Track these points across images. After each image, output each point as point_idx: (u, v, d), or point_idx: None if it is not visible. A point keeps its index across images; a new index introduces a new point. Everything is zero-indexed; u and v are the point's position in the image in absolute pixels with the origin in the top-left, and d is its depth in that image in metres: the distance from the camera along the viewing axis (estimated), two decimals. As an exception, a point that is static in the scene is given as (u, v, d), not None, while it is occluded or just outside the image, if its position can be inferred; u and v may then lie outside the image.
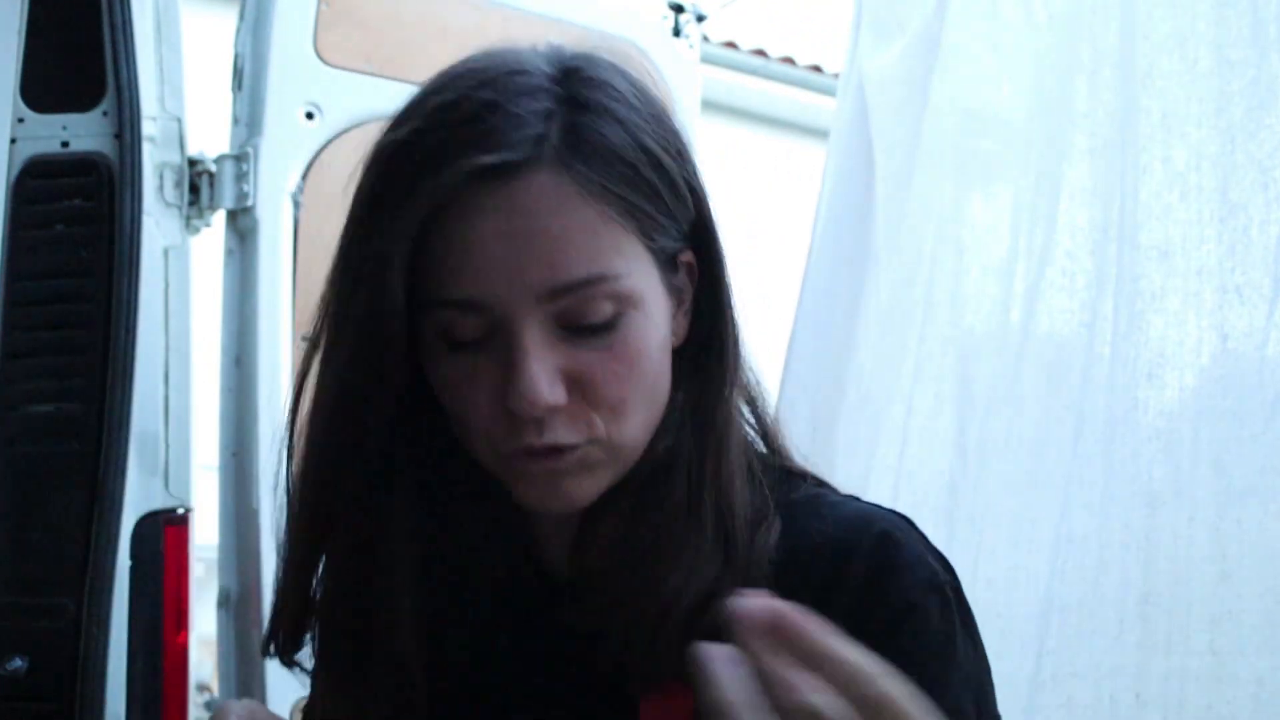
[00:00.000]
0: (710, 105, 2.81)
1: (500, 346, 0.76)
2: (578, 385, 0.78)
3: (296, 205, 2.18)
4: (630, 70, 0.83)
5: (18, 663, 1.90)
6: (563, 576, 0.88)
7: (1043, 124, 1.70)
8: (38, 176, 2.02)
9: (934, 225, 1.81)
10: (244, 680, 2.12)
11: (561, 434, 0.78)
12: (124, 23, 2.01)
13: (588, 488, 0.81)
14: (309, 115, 2.19)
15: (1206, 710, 1.39)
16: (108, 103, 2.03)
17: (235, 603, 2.14)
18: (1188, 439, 1.45)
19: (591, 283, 0.75)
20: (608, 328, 0.77)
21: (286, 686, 2.06)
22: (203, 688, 5.07)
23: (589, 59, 0.81)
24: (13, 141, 2.01)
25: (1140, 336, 1.50)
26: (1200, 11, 1.50)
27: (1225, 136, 1.47)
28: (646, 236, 0.78)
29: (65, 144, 2.04)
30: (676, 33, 2.63)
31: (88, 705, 1.90)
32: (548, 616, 0.87)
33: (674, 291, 0.83)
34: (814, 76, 7.51)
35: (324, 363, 0.83)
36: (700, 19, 2.67)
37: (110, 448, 1.94)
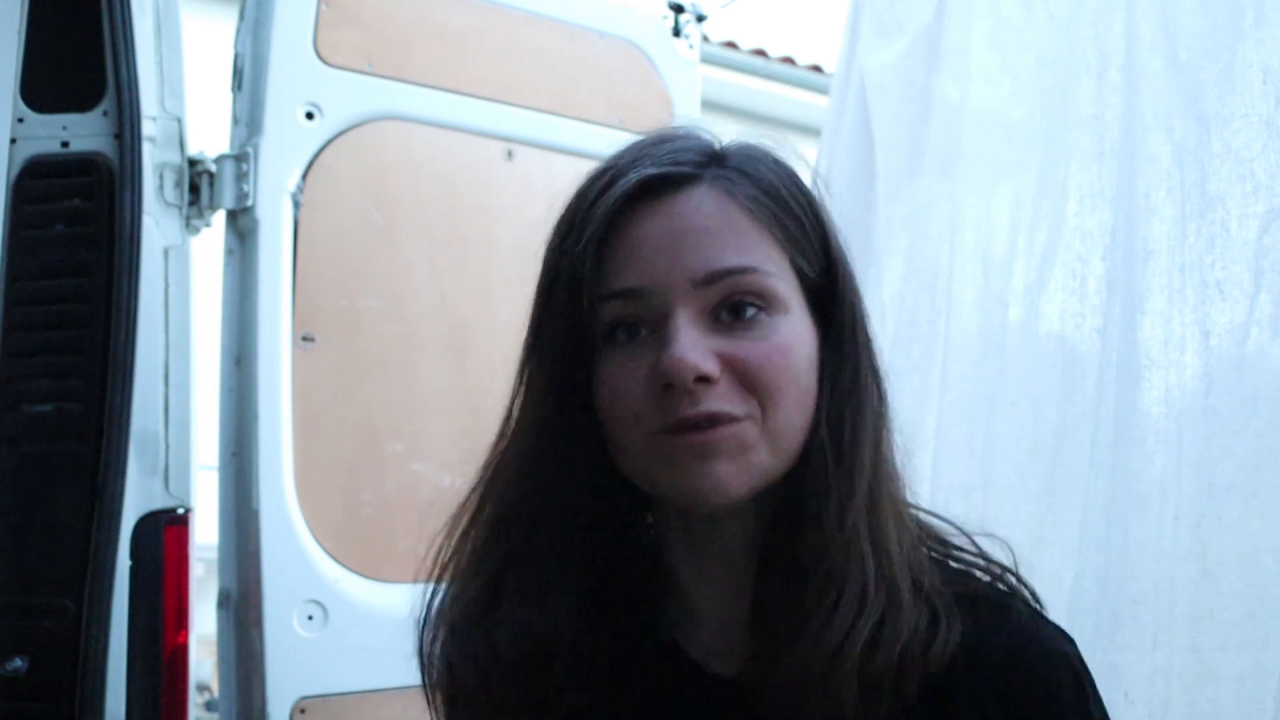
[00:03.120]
0: (710, 105, 2.81)
1: (659, 336, 0.82)
2: (732, 369, 0.82)
3: (296, 205, 2.18)
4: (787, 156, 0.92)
5: (18, 663, 1.90)
6: (728, 675, 0.89)
7: (1045, 123, 1.69)
8: (38, 176, 2.02)
9: (932, 225, 1.81)
10: (244, 680, 2.11)
11: (716, 403, 0.81)
12: (124, 23, 2.01)
13: (740, 474, 0.82)
14: (309, 115, 2.19)
15: (1189, 708, 1.39)
16: (108, 103, 2.03)
17: (235, 603, 2.14)
18: (1172, 438, 1.45)
19: (742, 271, 0.83)
20: (757, 321, 0.83)
21: (287, 686, 2.06)
22: (203, 688, 5.08)
23: (746, 141, 0.91)
24: (12, 141, 2.01)
25: (1133, 338, 1.50)
26: (1185, 4, 1.50)
27: (1201, 126, 1.46)
28: (792, 255, 0.86)
29: (65, 144, 2.03)
30: (676, 33, 2.63)
31: (88, 705, 1.90)
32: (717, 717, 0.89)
33: (818, 322, 0.87)
34: (814, 76, 7.50)
35: (529, 363, 0.89)
36: (700, 19, 2.67)
37: (110, 448, 1.94)
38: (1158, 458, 1.46)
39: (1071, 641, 0.89)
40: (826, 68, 7.42)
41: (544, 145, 2.40)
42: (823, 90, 7.42)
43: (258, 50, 2.18)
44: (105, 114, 2.03)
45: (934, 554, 0.91)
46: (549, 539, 0.87)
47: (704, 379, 0.80)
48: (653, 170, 0.83)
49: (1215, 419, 1.41)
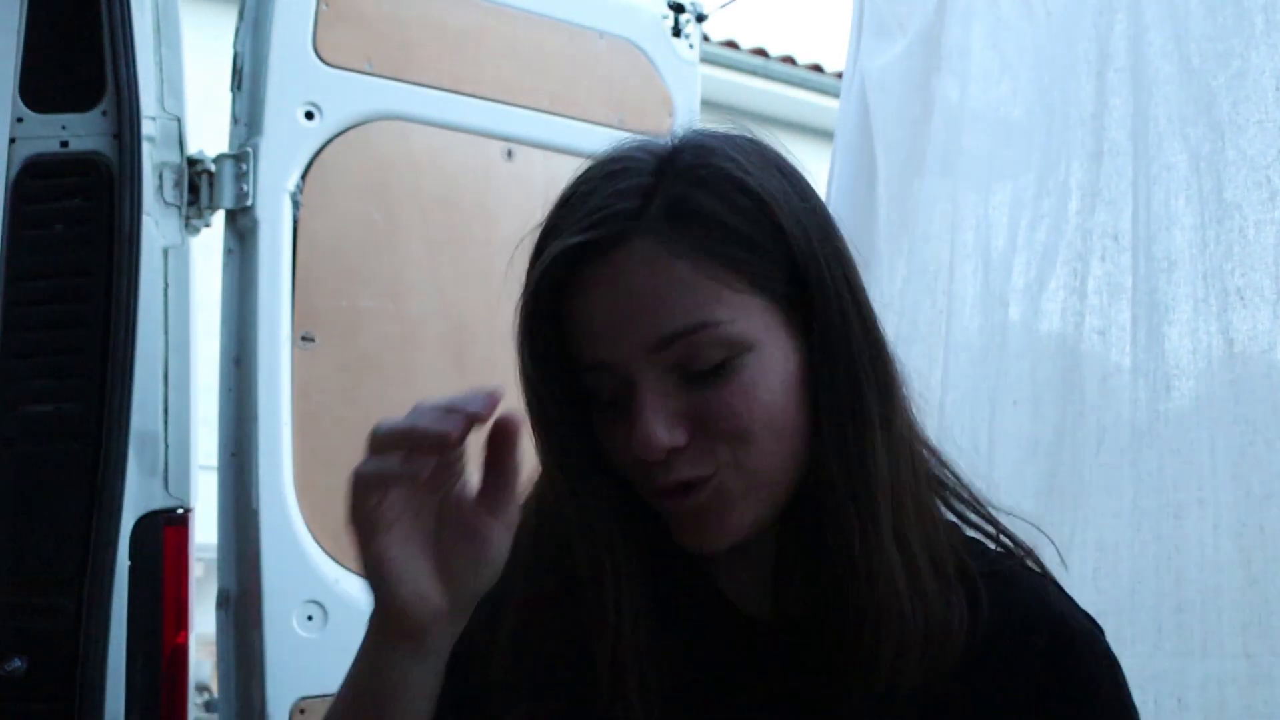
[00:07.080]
0: (710, 105, 2.81)
1: (628, 401, 0.83)
2: (700, 424, 0.82)
3: (296, 205, 2.18)
4: (755, 138, 0.89)
5: (17, 663, 1.89)
6: (763, 619, 0.90)
7: (1044, 121, 1.69)
8: (37, 176, 2.02)
9: (935, 225, 1.81)
10: (243, 680, 2.11)
11: (686, 470, 0.82)
12: (123, 22, 2.01)
13: (733, 521, 0.84)
14: (309, 115, 2.19)
15: (1245, 710, 1.41)
16: (107, 102, 2.03)
17: (235, 603, 2.14)
18: (1205, 448, 1.46)
19: (693, 330, 0.81)
20: (722, 371, 0.82)
21: (286, 688, 2.06)
22: (202, 688, 5.09)
23: (701, 133, 0.87)
24: (12, 141, 2.01)
25: (1158, 349, 1.50)
26: (1192, 9, 1.50)
27: (1215, 133, 1.46)
28: (751, 281, 0.82)
29: (64, 144, 2.03)
30: (676, 33, 2.63)
31: (87, 705, 1.90)
32: (752, 658, 0.90)
33: (803, 330, 0.85)
34: (814, 76, 7.52)
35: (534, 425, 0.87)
36: (700, 19, 2.66)
37: (109, 448, 1.94)
38: (1192, 468, 1.47)
39: (1100, 628, 0.90)
40: (827, 67, 7.43)
41: (544, 145, 2.40)
42: (823, 90, 7.46)
43: (257, 50, 2.18)
44: (104, 114, 2.03)
45: (970, 534, 0.92)
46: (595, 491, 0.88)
47: (675, 449, 0.82)
48: (578, 238, 0.81)
49: (1247, 428, 1.42)
